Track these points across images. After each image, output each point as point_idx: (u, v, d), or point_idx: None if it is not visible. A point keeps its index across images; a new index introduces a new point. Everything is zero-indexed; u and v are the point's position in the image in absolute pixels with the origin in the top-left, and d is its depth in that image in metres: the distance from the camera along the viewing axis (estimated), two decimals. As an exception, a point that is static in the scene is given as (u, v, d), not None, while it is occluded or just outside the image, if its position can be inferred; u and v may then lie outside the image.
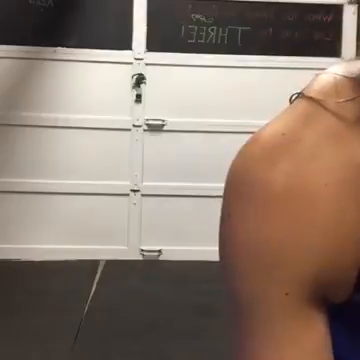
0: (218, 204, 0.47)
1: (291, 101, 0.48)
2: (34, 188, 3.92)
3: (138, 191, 4.01)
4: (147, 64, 3.96)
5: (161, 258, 4.00)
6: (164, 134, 4.01)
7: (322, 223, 0.41)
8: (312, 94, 0.45)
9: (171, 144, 4.00)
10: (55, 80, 3.93)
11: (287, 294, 0.42)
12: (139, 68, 3.96)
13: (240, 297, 0.44)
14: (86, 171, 3.96)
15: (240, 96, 3.96)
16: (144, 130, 4.00)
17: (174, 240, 3.99)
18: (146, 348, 2.70)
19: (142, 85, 3.97)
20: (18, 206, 3.95)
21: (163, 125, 3.99)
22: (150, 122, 3.99)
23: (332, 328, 0.44)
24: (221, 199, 0.46)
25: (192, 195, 3.99)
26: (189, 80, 3.97)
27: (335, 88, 0.44)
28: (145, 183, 4.01)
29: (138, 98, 3.97)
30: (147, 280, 3.61)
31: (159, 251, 4.00)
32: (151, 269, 3.86)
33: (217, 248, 0.46)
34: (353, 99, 0.43)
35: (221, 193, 0.47)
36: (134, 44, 3.93)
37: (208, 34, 3.96)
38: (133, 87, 3.97)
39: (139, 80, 3.96)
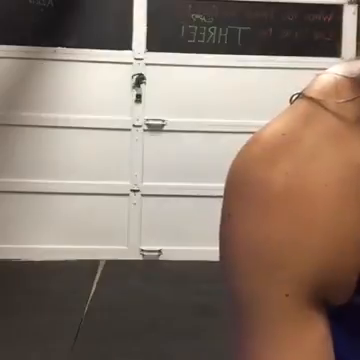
0: (218, 204, 0.48)
1: (291, 101, 0.48)
2: (34, 188, 3.92)
3: (138, 191, 4.01)
4: (147, 64, 3.96)
5: (161, 258, 4.00)
6: (164, 134, 4.01)
7: (322, 223, 0.41)
8: (312, 94, 0.45)
9: (171, 144, 4.00)
10: (55, 80, 3.93)
11: (287, 294, 0.42)
12: (139, 68, 3.96)
13: (240, 297, 0.44)
14: (86, 171, 3.96)
15: (240, 96, 3.96)
16: (144, 130, 4.00)
17: (174, 240, 3.99)
18: (146, 348, 2.70)
19: (142, 85, 3.97)
20: (18, 206, 3.95)
21: (163, 125, 3.99)
22: (150, 122, 3.99)
23: (333, 330, 0.44)
24: (221, 199, 0.46)
25: (192, 195, 3.99)
26: (189, 80, 3.97)
27: (335, 88, 0.44)
28: (145, 183, 4.01)
29: (138, 98, 3.97)
30: (147, 280, 3.61)
31: (159, 251, 4.00)
32: (151, 269, 3.86)
33: (217, 248, 0.46)
34: (353, 99, 0.43)
35: (221, 193, 0.47)
36: (134, 44, 3.93)
37: (208, 34, 3.96)
38: (133, 87, 3.97)
39: (139, 80, 3.96)
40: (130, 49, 3.94)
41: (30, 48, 3.85)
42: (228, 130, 3.91)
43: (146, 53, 3.95)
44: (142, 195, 4.02)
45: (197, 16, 3.94)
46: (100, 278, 3.63)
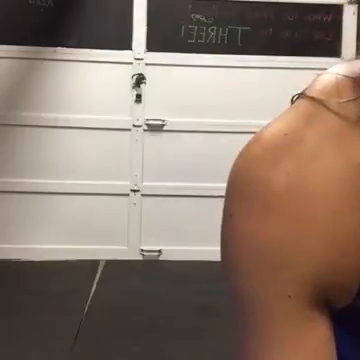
0: (218, 204, 0.48)
1: (292, 101, 0.47)
2: (34, 188, 3.92)
3: (138, 191, 4.01)
4: (147, 64, 3.96)
5: (161, 258, 4.00)
6: (164, 134, 4.01)
7: (323, 224, 0.41)
8: (314, 94, 0.45)
9: (171, 144, 4.00)
10: (55, 80, 3.93)
11: (288, 294, 0.42)
12: (139, 68, 3.96)
13: (241, 296, 0.44)
14: (86, 171, 3.96)
15: (240, 96, 3.96)
16: (144, 130, 4.00)
17: (174, 240, 3.99)
18: (146, 348, 2.70)
19: (142, 85, 3.97)
20: (18, 206, 3.95)
21: (163, 125, 3.99)
22: (150, 122, 3.99)
23: (335, 331, 0.44)
24: (221, 199, 0.46)
25: (192, 195, 3.99)
26: (189, 80, 3.97)
27: (337, 88, 0.44)
28: (145, 183, 4.01)
29: (138, 98, 3.97)
30: (147, 280, 3.61)
31: (159, 251, 4.00)
32: (151, 269, 3.86)
33: (217, 248, 0.46)
34: (355, 99, 0.43)
35: (221, 193, 0.47)
36: (134, 44, 3.93)
37: (208, 34, 3.96)
38: (133, 87, 3.97)
39: (139, 80, 3.96)
40: (130, 49, 3.94)
41: (30, 48, 3.85)
42: (228, 130, 3.91)
43: (146, 53, 3.95)
44: (142, 195, 4.02)
45: (197, 16, 3.94)
46: (100, 278, 3.63)
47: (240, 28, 3.96)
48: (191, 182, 3.98)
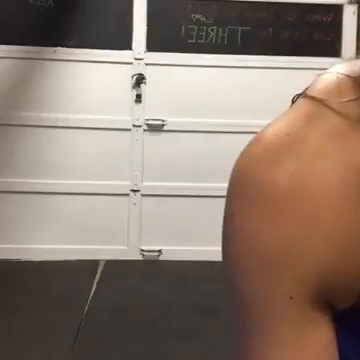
0: (218, 204, 0.48)
1: (293, 101, 0.47)
2: (34, 188, 3.92)
3: (138, 191, 4.01)
4: (147, 64, 3.96)
5: (161, 258, 4.00)
6: (164, 134, 4.01)
7: (326, 224, 0.41)
8: (315, 94, 0.45)
9: (171, 144, 4.00)
10: (55, 80, 3.93)
11: (290, 295, 0.42)
12: (139, 68, 3.96)
13: (243, 296, 0.44)
14: (86, 171, 3.96)
15: (240, 96, 3.96)
16: (144, 130, 4.00)
17: (174, 240, 3.99)
18: (146, 348, 2.70)
19: (142, 85, 3.97)
20: (18, 206, 3.95)
21: (163, 125, 3.99)
22: (150, 122, 3.99)
23: (337, 333, 0.44)
24: (222, 199, 0.46)
25: (192, 195, 3.99)
26: (189, 80, 3.97)
27: (338, 87, 0.44)
28: (145, 183, 4.01)
29: (138, 98, 3.97)
30: (147, 280, 3.61)
31: (159, 251, 4.00)
32: (151, 269, 3.86)
33: (218, 248, 0.46)
34: (356, 99, 0.43)
35: (221, 193, 0.47)
36: (134, 44, 3.93)
37: (208, 34, 3.96)
38: (133, 87, 3.97)
39: (139, 80, 3.96)
40: (130, 49, 3.94)
41: (30, 48, 3.85)
42: (228, 130, 3.91)
43: (146, 53, 3.95)
44: (142, 195, 4.02)
45: (197, 16, 3.94)
46: (100, 278, 3.63)
47: (240, 28, 3.96)
48: (191, 182, 3.98)
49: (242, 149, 0.46)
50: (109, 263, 3.87)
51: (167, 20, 3.93)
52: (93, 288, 3.44)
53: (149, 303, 3.23)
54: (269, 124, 0.46)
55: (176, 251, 3.96)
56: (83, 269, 3.74)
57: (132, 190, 4.01)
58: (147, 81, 3.97)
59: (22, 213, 3.94)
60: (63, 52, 3.90)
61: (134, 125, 3.99)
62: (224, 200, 0.46)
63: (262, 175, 0.43)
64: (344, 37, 3.97)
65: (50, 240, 3.95)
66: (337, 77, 0.45)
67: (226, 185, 0.46)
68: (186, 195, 3.99)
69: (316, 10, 3.96)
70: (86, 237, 3.94)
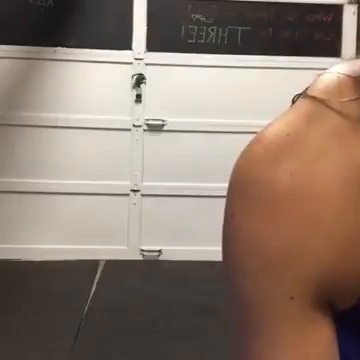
0: (218, 204, 0.48)
1: (293, 101, 0.47)
2: (34, 188, 3.92)
3: (138, 191, 4.01)
4: (147, 64, 3.95)
5: (161, 258, 4.00)
6: (164, 134, 4.01)
7: (328, 224, 0.41)
8: (315, 93, 0.45)
9: (171, 144, 4.00)
10: (55, 80, 3.93)
11: (291, 295, 0.42)
12: (139, 68, 3.96)
13: (244, 296, 0.44)
14: (86, 171, 3.96)
15: (240, 96, 3.96)
16: (144, 130, 4.00)
17: (174, 240, 3.99)
18: (146, 348, 2.70)
19: (142, 85, 3.97)
20: (18, 206, 3.95)
21: (163, 125, 3.99)
22: (150, 122, 3.99)
23: (338, 333, 0.44)
24: (222, 199, 0.46)
25: (192, 195, 3.99)
26: (189, 80, 3.97)
27: (339, 87, 0.44)
28: (145, 183, 4.01)
29: (138, 98, 3.97)
30: (147, 280, 3.61)
31: (159, 251, 4.00)
32: (151, 269, 3.86)
33: (218, 248, 0.46)
34: (357, 98, 0.43)
35: (221, 193, 0.47)
36: (134, 44, 3.93)
37: (208, 34, 3.96)
38: (133, 87, 3.97)
39: (139, 80, 3.96)
40: (130, 49, 3.94)
41: (30, 48, 3.85)
42: (228, 130, 3.91)
43: (146, 53, 3.95)
44: (142, 195, 4.02)
45: (197, 16, 3.94)
46: (100, 278, 3.63)
47: (240, 28, 3.96)
48: (191, 182, 3.98)
49: (242, 149, 0.46)
50: (109, 263, 3.87)
51: (167, 20, 3.93)
52: (93, 288, 3.44)
53: (149, 303, 3.23)
54: (269, 124, 0.46)
55: (176, 251, 3.96)
56: (83, 269, 3.74)
57: (132, 190, 4.01)
58: (147, 81, 3.97)
59: (22, 213, 3.94)
60: (63, 52, 3.90)
61: (134, 125, 3.99)
62: (224, 200, 0.46)
63: (263, 175, 0.43)
64: (344, 37, 3.97)
65: (50, 240, 3.95)
66: (337, 77, 0.45)
67: (226, 185, 0.46)
68: (186, 195, 3.99)
69: (316, 10, 3.96)
70: (86, 237, 3.94)
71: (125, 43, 3.91)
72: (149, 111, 3.98)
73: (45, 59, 3.89)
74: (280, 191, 0.42)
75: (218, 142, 3.96)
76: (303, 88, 0.47)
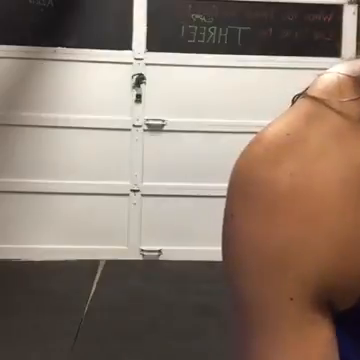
0: (218, 204, 0.48)
1: (293, 101, 0.47)
2: (34, 188, 3.92)
3: (138, 191, 4.01)
4: (147, 64, 3.96)
5: (161, 258, 4.00)
6: (164, 134, 4.01)
7: (328, 224, 0.41)
8: (315, 93, 0.45)
9: (171, 144, 4.00)
10: (55, 80, 3.93)
11: (291, 296, 0.42)
12: (139, 68, 3.96)
13: (243, 296, 0.44)
14: (86, 171, 3.96)
15: (240, 96, 3.96)
16: (144, 130, 4.00)
17: (174, 240, 3.99)
18: (146, 348, 2.70)
19: (142, 85, 3.97)
20: (18, 206, 3.95)
21: (163, 125, 3.99)
22: (150, 122, 3.99)
23: (337, 333, 0.44)
24: (222, 199, 0.46)
25: (192, 195, 3.99)
26: (189, 80, 3.97)
27: (339, 87, 0.44)
28: (145, 183, 4.01)
29: (138, 98, 3.97)
30: (147, 280, 3.61)
31: (159, 251, 4.00)
32: (151, 269, 3.86)
33: (218, 248, 0.46)
34: (357, 98, 0.43)
35: (221, 193, 0.47)
36: (134, 44, 3.93)
37: (208, 34, 3.96)
38: (133, 87, 3.97)
39: (139, 80, 3.96)
40: (130, 49, 3.94)
41: (30, 48, 3.85)
42: (228, 130, 3.91)
43: (146, 53, 3.95)
44: (142, 195, 4.01)
45: (197, 16, 3.94)
46: (100, 278, 3.63)
47: (240, 28, 3.96)
48: (191, 182, 3.98)
49: (242, 149, 0.46)
50: (109, 263, 3.87)
51: (167, 20, 3.93)
52: (93, 288, 3.44)
53: (149, 303, 3.23)
54: (269, 124, 0.46)
55: (176, 251, 3.96)
56: (83, 269, 3.74)
57: (132, 190, 4.01)
58: (147, 81, 3.97)
59: (22, 213, 3.94)
60: (63, 52, 3.89)
61: (134, 125, 3.99)
62: (224, 200, 0.46)
63: (262, 175, 0.43)
64: (344, 37, 3.97)
65: (50, 240, 3.95)
66: (337, 77, 0.45)
67: (226, 185, 0.46)
68: (186, 195, 3.99)
69: (316, 10, 3.96)
70: (86, 237, 3.94)
71: (125, 43, 3.91)
72: (149, 111, 3.98)
73: (45, 59, 3.89)
74: (280, 191, 0.42)
75: (218, 142, 3.96)
76: (303, 88, 0.47)
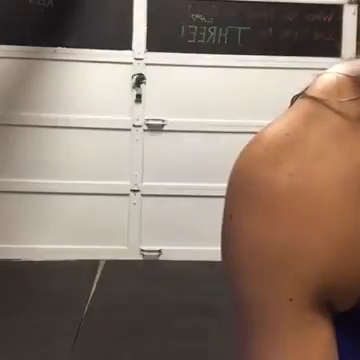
0: (218, 204, 0.48)
1: (293, 101, 0.47)
2: (34, 188, 3.92)
3: (138, 191, 4.01)
4: (147, 64, 3.96)
5: (161, 258, 4.00)
6: (164, 134, 4.01)
7: (326, 224, 0.41)
8: (315, 94, 0.45)
9: (171, 144, 4.00)
10: (55, 80, 3.93)
11: (290, 296, 0.42)
12: (139, 68, 3.96)
13: (243, 296, 0.44)
14: (86, 171, 3.96)
15: (240, 96, 3.96)
16: (144, 130, 4.00)
17: (174, 240, 3.99)
18: (146, 348, 2.70)
19: (142, 85, 3.97)
20: (18, 206, 3.95)
21: (163, 125, 3.99)
22: (150, 122, 3.99)
23: (337, 335, 0.44)
24: (221, 199, 0.46)
25: (192, 195, 3.99)
26: (189, 80, 3.97)
27: (338, 87, 0.44)
28: (145, 183, 4.01)
29: (138, 98, 3.97)
30: (147, 280, 3.61)
31: (159, 251, 4.00)
32: (151, 269, 3.86)
33: (218, 248, 0.46)
34: (356, 98, 0.43)
35: (221, 193, 0.47)
36: (134, 44, 3.93)
37: (208, 34, 3.96)
38: (133, 87, 3.97)
39: (139, 80, 3.96)
40: (130, 49, 3.94)
41: (30, 48, 3.85)
42: (228, 130, 3.91)
43: (146, 53, 3.95)
44: (142, 195, 4.01)
45: (197, 16, 3.94)
46: (100, 278, 3.62)
47: (240, 28, 3.96)
48: (191, 182, 3.98)
49: (242, 149, 0.46)
50: (109, 263, 3.87)
51: (167, 20, 3.93)
52: (93, 288, 3.44)
53: (149, 303, 3.23)
54: (269, 124, 0.46)
55: (176, 251, 3.96)
56: (83, 269, 3.74)
57: (132, 190, 4.01)
58: (147, 81, 3.97)
59: (22, 213, 3.94)
60: (63, 52, 3.90)
61: (134, 125, 3.99)
62: (224, 200, 0.46)
63: (262, 175, 0.42)
64: (344, 37, 3.97)
65: (50, 240, 3.95)
66: (337, 77, 0.45)
67: (226, 185, 0.46)
68: (186, 195, 3.99)
69: (316, 10, 3.96)
70: (86, 237, 3.94)
71: (125, 43, 3.91)
72: (149, 111, 3.98)
73: (45, 59, 3.89)
74: (279, 191, 0.42)
75: (218, 142, 3.96)
76: (303, 88, 0.47)
